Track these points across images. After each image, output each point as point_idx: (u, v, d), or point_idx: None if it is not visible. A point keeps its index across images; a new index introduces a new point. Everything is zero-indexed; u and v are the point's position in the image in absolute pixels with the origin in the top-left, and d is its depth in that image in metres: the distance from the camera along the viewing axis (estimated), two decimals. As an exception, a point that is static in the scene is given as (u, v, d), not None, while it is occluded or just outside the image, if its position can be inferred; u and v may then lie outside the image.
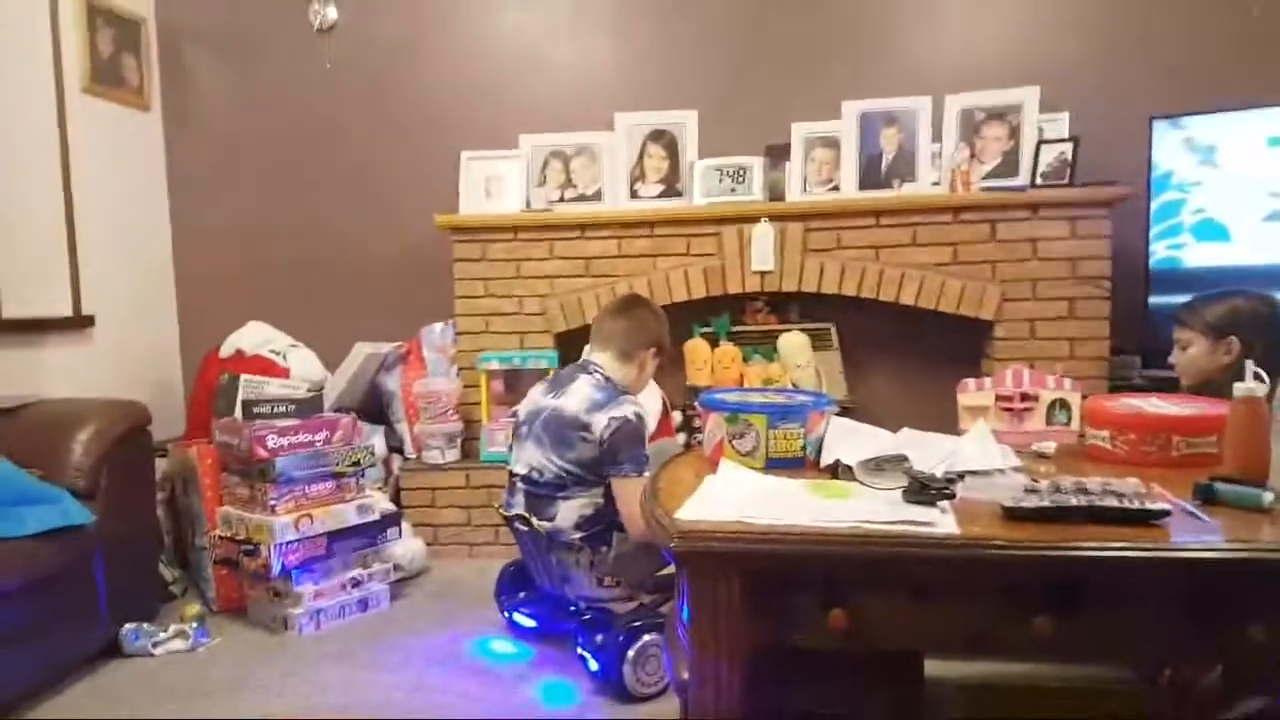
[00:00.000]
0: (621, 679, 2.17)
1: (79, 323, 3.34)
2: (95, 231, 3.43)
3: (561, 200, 3.56)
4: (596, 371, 2.48)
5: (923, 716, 1.75)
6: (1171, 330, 2.26)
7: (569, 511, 2.35)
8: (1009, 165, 3.32)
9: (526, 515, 2.40)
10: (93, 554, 2.36)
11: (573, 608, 2.42)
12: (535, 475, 2.41)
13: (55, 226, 3.28)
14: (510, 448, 2.61)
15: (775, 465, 1.56)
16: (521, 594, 2.65)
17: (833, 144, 3.40)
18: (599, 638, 2.23)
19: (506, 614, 2.67)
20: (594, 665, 2.24)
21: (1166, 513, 1.22)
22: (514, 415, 2.62)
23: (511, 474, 2.52)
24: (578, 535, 2.34)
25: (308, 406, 2.91)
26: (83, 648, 2.44)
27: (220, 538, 2.81)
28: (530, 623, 2.61)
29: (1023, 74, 3.37)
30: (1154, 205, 3.16)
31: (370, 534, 2.86)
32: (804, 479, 1.48)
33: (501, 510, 2.55)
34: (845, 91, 3.42)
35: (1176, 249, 3.15)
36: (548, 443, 2.40)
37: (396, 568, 3.00)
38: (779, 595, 1.26)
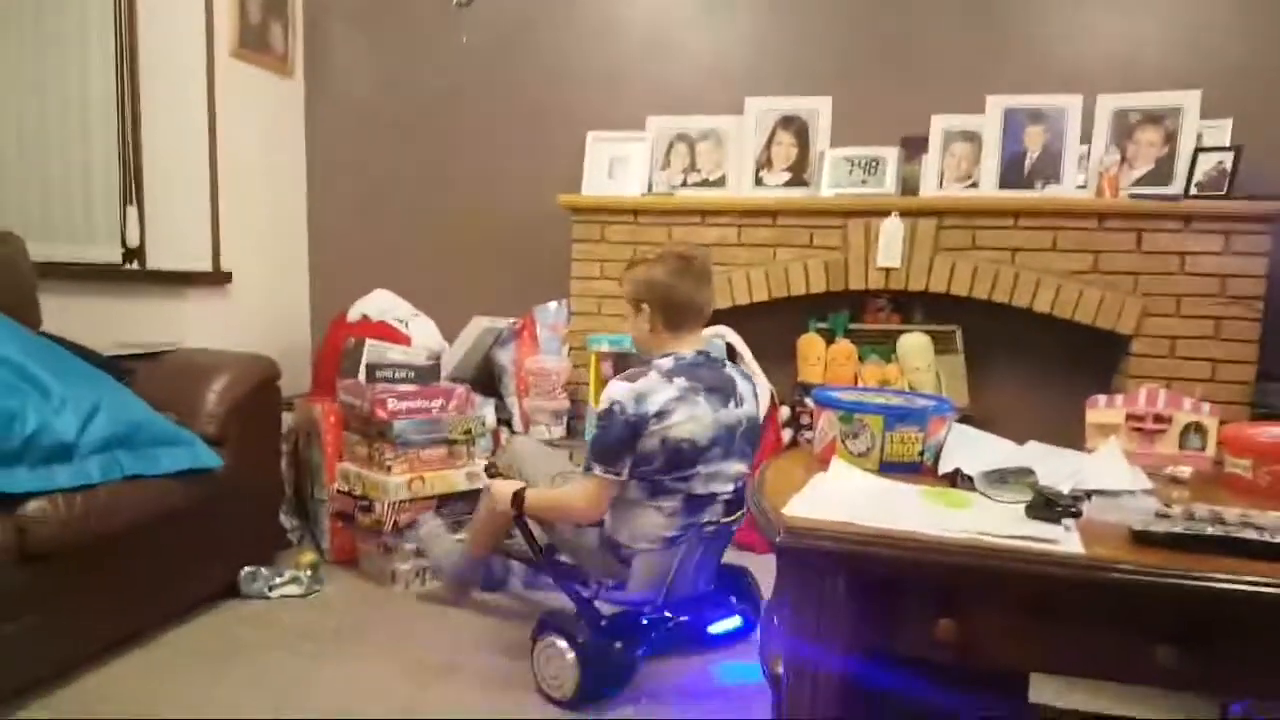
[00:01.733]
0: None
1: (218, 278, 3.53)
2: (237, 192, 3.61)
3: (684, 184, 3.55)
4: (721, 361, 2.30)
5: None
6: None
7: None
8: (1162, 172, 3.12)
9: (728, 521, 2.23)
10: (219, 497, 2.50)
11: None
12: (739, 483, 2.23)
13: (200, 185, 3.47)
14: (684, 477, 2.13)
15: (890, 469, 1.51)
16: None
17: (973, 139, 3.27)
18: None
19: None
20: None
21: (1314, 551, 1.13)
22: (684, 443, 2.09)
23: (709, 495, 2.17)
24: None
25: (426, 374, 3.00)
26: (205, 586, 2.59)
27: (338, 491, 2.94)
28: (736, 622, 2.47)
29: (1183, 77, 3.16)
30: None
31: (477, 500, 2.92)
32: (920, 485, 1.43)
33: (678, 528, 2.17)
34: (989, 85, 3.28)
35: (1344, 270, 2.91)
36: (749, 452, 2.26)
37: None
38: (886, 600, 1.22)
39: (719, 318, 3.45)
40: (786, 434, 3.35)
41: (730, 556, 2.44)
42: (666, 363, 2.14)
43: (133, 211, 3.23)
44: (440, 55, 3.91)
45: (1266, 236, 2.96)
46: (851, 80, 3.48)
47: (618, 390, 2.08)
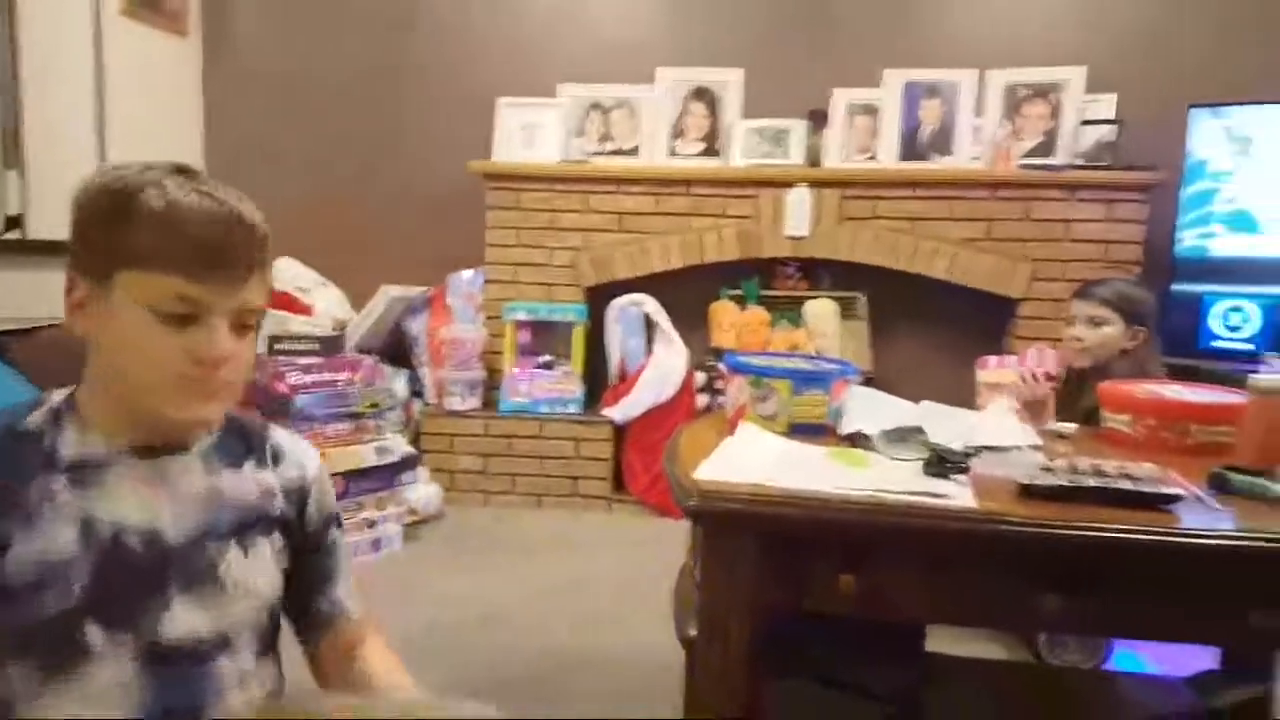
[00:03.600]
0: None
1: (110, 249, 3.36)
2: (127, 157, 3.42)
3: (599, 153, 3.54)
4: None
5: (924, 689, 1.77)
6: (1131, 308, 2.17)
7: None
8: (1049, 144, 3.26)
9: None
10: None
11: None
12: None
13: (87, 150, 3.30)
14: None
15: (798, 431, 1.56)
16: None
17: (874, 112, 3.36)
18: None
19: None
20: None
21: (1178, 498, 1.22)
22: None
23: None
24: None
25: (331, 345, 2.94)
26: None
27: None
28: None
29: (1070, 53, 3.30)
30: (1187, 193, 3.11)
31: (387, 476, 2.90)
32: (825, 446, 1.49)
33: None
34: (889, 59, 3.37)
35: (1206, 238, 3.11)
36: None
37: (412, 511, 3.05)
38: (793, 559, 1.27)
39: (637, 286, 3.48)
40: (701, 399, 3.41)
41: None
42: None
43: (13, 177, 3.05)
44: (345, 18, 3.79)
45: (1144, 205, 3.14)
46: (761, 53, 3.52)
47: None
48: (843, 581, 1.24)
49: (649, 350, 3.48)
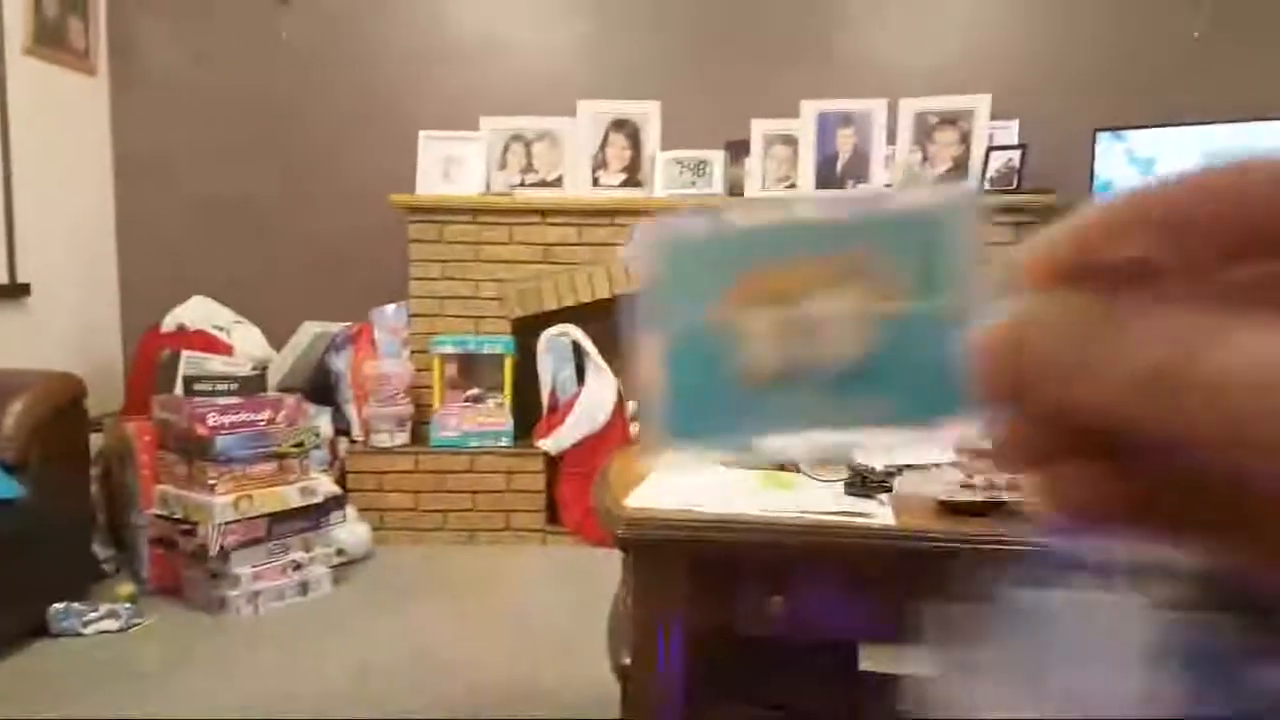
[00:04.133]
0: None
1: (14, 291, 3.24)
2: (34, 198, 3.32)
3: (522, 185, 3.54)
4: None
5: (860, 708, 1.79)
6: None
7: None
8: (960, 170, 3.38)
9: None
10: (21, 529, 2.30)
11: None
12: None
13: (-9, 192, 3.18)
14: None
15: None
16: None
17: (791, 142, 3.44)
18: None
19: None
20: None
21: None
22: None
23: None
24: None
25: (251, 385, 2.87)
26: (11, 625, 2.37)
27: (156, 516, 2.75)
28: None
29: (976, 81, 3.44)
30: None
31: (313, 517, 2.82)
32: (752, 470, 1.50)
33: None
34: (805, 90, 3.45)
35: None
36: None
37: (340, 552, 2.97)
38: (723, 583, 1.28)
39: (565, 317, 3.47)
40: (635, 428, 3.40)
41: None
42: None
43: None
44: (259, 50, 3.73)
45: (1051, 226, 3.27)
46: (678, 85, 3.58)
47: None
48: (772, 603, 1.26)
49: (580, 381, 3.47)
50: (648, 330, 0.27)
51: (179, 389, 2.83)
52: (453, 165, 3.49)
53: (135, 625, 2.55)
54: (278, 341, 3.44)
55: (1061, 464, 0.21)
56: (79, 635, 2.47)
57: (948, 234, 0.25)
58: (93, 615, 2.51)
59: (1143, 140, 3.20)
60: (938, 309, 0.25)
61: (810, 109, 3.41)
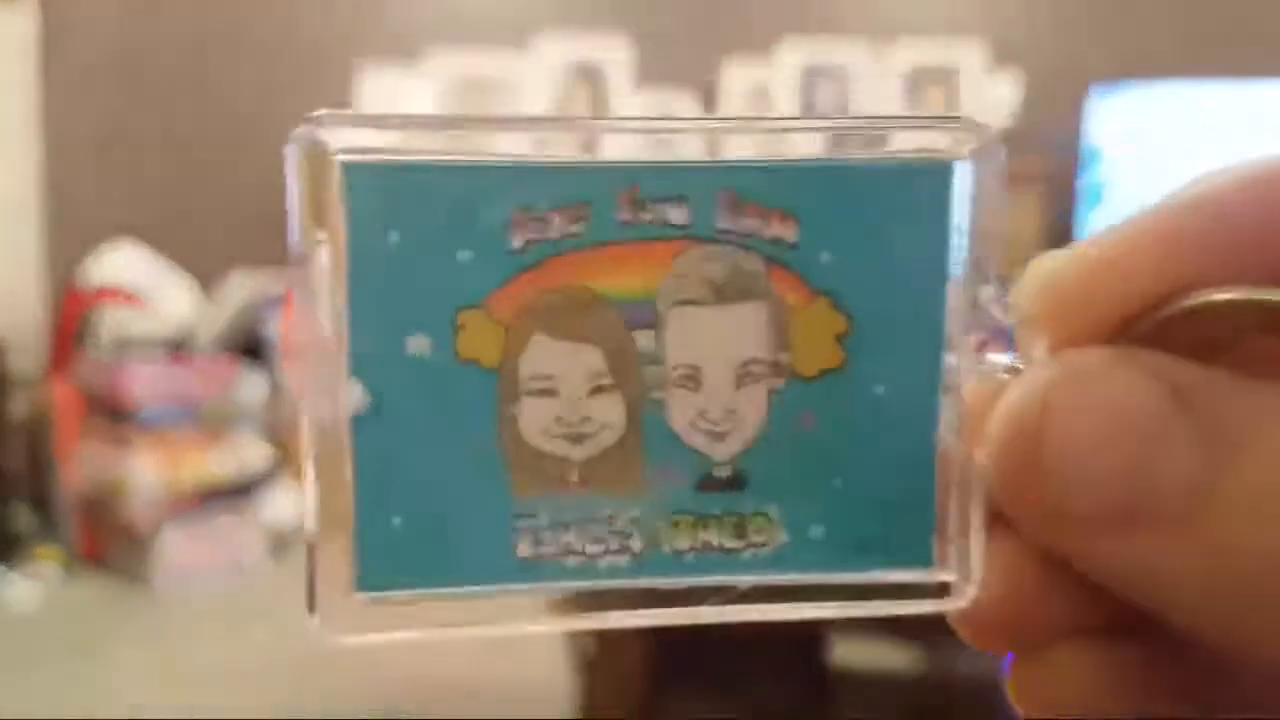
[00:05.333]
0: None
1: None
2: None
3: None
4: None
5: (830, 707, 1.65)
6: None
7: None
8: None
9: None
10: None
11: None
12: None
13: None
14: None
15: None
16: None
17: (767, 95, 3.26)
18: None
19: None
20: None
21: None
22: None
23: None
24: None
25: (180, 344, 2.68)
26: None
27: (81, 484, 2.57)
28: None
29: (969, 25, 3.27)
30: (1086, 180, 3.10)
31: (245, 486, 2.65)
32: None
33: None
34: (785, 26, 3.25)
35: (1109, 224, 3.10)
36: None
37: (275, 528, 2.79)
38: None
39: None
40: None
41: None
42: None
43: None
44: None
45: (1035, 193, 3.11)
46: (650, 20, 3.35)
47: None
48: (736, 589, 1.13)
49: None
50: (321, 375, 0.16)
51: (102, 349, 2.63)
52: (398, 105, 3.27)
53: (53, 598, 2.37)
54: (207, 291, 3.19)
55: (1072, 641, 0.15)
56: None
57: (932, 215, 0.17)
58: (6, 587, 2.34)
59: (1142, 101, 3.03)
60: (899, 357, 0.17)
61: (792, 58, 3.22)
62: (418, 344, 0.17)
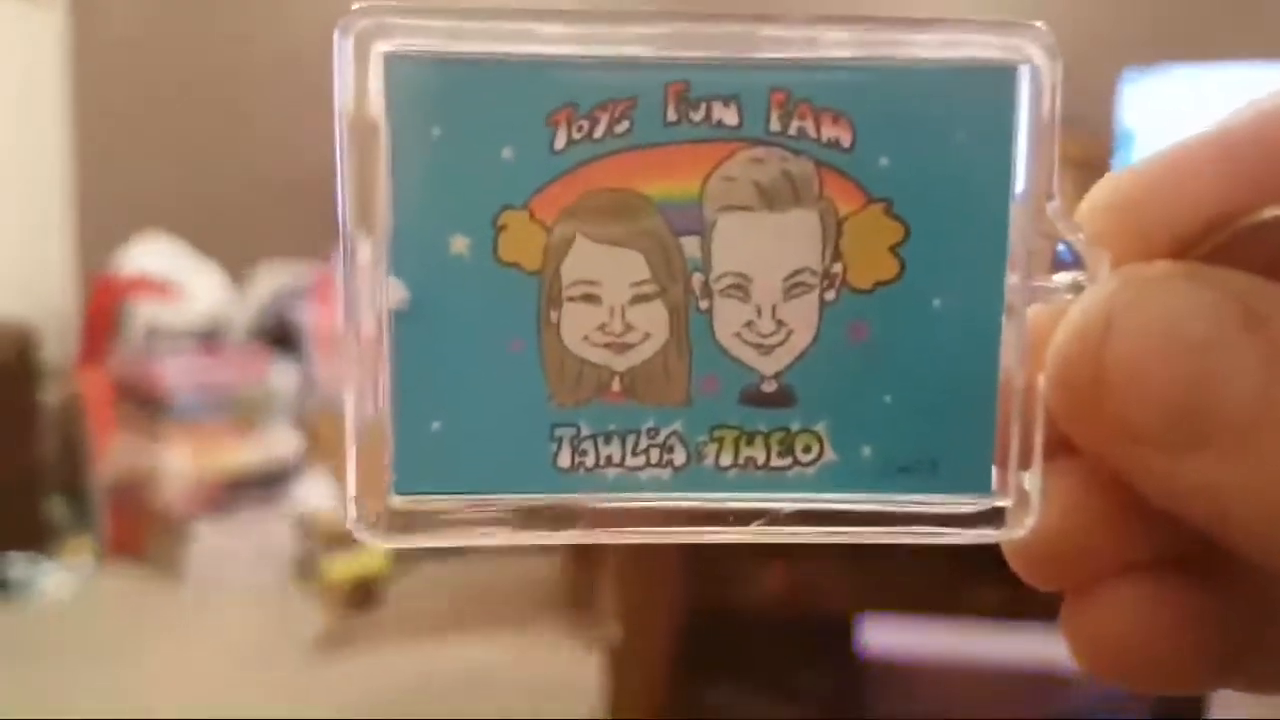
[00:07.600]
0: None
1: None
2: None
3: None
4: None
5: (861, 694, 1.64)
6: None
7: None
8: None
9: None
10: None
11: None
12: None
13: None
14: None
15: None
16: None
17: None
18: None
19: None
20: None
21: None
22: None
23: None
24: None
25: (211, 335, 2.70)
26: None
27: (112, 474, 2.60)
28: None
29: (1001, 11, 3.22)
30: (1120, 162, 3.04)
31: (277, 476, 2.67)
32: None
33: None
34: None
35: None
36: None
37: (305, 518, 2.81)
38: (715, 550, 1.15)
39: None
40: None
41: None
42: None
43: None
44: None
45: (1070, 178, 3.06)
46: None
47: None
48: (770, 575, 1.15)
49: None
50: (363, 276, 0.16)
51: (135, 339, 2.67)
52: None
53: (87, 590, 2.41)
54: (238, 281, 3.22)
55: (1123, 578, 0.14)
56: (24, 598, 2.31)
57: (997, 121, 0.17)
58: (41, 578, 2.37)
59: (1175, 83, 2.97)
60: (958, 270, 0.17)
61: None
62: (459, 244, 0.16)
